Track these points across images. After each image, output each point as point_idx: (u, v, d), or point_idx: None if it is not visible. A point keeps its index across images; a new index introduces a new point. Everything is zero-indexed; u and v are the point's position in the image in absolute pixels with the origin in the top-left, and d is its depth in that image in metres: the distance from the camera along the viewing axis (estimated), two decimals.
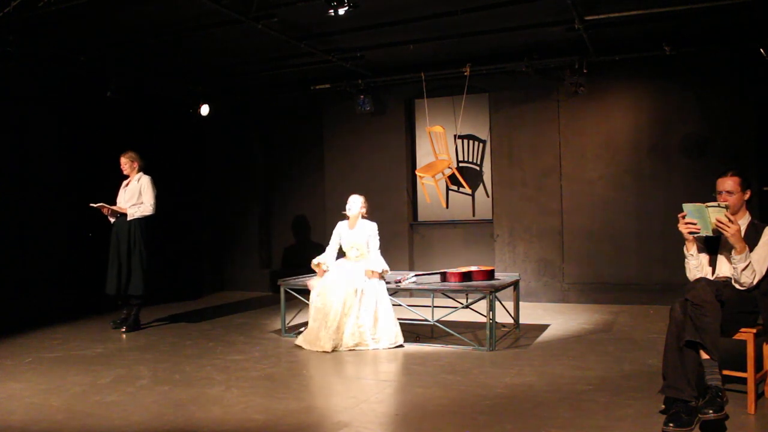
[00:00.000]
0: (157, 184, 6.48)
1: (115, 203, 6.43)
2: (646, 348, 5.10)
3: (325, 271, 5.63)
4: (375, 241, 5.73)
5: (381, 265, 5.57)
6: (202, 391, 4.15)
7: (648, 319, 6.40)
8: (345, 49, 7.28)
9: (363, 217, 5.80)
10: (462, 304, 5.83)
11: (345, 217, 5.85)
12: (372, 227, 5.76)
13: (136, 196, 6.38)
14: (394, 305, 5.50)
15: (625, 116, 7.52)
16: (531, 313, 6.96)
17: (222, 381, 4.39)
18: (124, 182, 6.53)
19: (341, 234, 5.81)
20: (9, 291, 6.87)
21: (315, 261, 5.74)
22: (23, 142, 7.15)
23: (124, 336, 6.17)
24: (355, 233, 5.73)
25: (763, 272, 3.45)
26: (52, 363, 5.00)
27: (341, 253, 5.87)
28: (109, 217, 6.42)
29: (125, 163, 6.46)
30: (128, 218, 6.32)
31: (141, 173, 6.47)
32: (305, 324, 5.67)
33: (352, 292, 5.35)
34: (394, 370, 4.74)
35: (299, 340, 5.52)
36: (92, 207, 6.31)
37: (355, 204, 5.78)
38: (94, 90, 7.48)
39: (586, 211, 7.63)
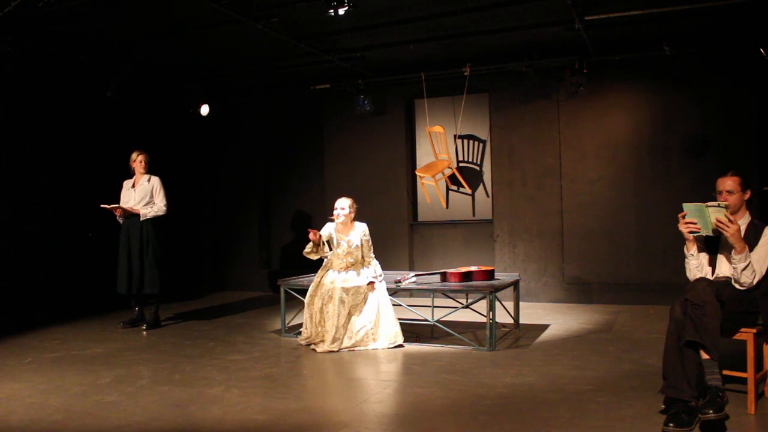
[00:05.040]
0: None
1: (118, 203, 6.41)
2: (646, 348, 5.10)
3: (319, 236, 5.48)
4: (370, 245, 5.60)
5: (378, 272, 5.55)
6: (202, 391, 4.14)
7: (648, 319, 6.40)
8: (345, 49, 7.28)
9: (353, 219, 5.64)
10: (462, 304, 5.84)
11: (331, 220, 5.60)
12: (365, 229, 5.61)
13: (148, 197, 6.38)
14: (394, 305, 5.50)
15: (625, 116, 7.52)
16: (531, 313, 6.96)
17: (222, 381, 4.39)
18: (128, 183, 6.52)
19: (332, 235, 5.57)
20: (9, 291, 6.87)
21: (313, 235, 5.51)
22: (23, 142, 7.15)
23: (145, 333, 6.20)
24: (351, 238, 5.54)
25: (763, 272, 3.45)
26: (52, 363, 5.00)
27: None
28: (118, 218, 6.40)
29: (142, 160, 6.44)
30: (141, 218, 6.33)
31: (149, 174, 6.48)
32: (303, 322, 5.67)
33: (353, 292, 5.35)
34: (394, 370, 4.74)
35: (301, 339, 5.53)
36: (104, 208, 6.28)
37: (345, 207, 5.55)
38: (94, 90, 7.48)
39: (586, 211, 7.63)
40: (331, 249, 5.64)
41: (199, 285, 9.30)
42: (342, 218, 5.54)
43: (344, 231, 5.58)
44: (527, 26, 6.55)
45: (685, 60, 7.06)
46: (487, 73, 7.81)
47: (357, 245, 5.54)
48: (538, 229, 7.83)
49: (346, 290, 5.32)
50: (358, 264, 5.53)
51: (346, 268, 5.50)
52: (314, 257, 5.63)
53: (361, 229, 5.60)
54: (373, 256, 5.64)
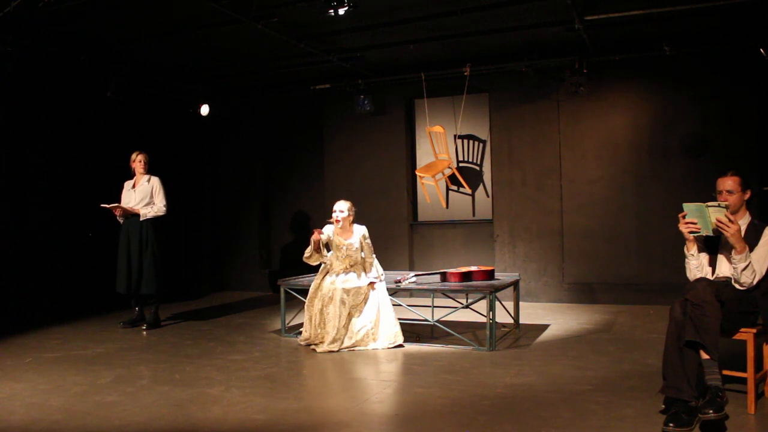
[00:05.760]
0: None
1: (118, 203, 6.41)
2: (646, 348, 5.10)
3: (321, 234, 5.44)
4: (370, 248, 5.58)
5: (380, 272, 5.59)
6: (202, 391, 4.15)
7: (648, 319, 6.40)
8: (345, 49, 7.28)
9: (352, 222, 5.60)
10: (462, 304, 5.84)
11: (330, 223, 5.57)
12: (365, 232, 5.58)
13: (148, 197, 6.39)
14: (394, 305, 5.50)
15: (625, 116, 7.52)
16: (531, 313, 6.96)
17: (222, 381, 4.39)
18: (128, 183, 6.51)
19: (331, 238, 5.55)
20: (9, 291, 6.87)
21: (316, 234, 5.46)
22: (23, 142, 7.15)
23: (145, 334, 6.21)
24: (351, 241, 5.50)
25: (763, 272, 3.45)
26: (52, 363, 5.00)
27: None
28: (118, 218, 6.40)
29: (142, 160, 6.44)
30: (141, 218, 6.33)
31: (149, 174, 6.48)
32: (303, 324, 5.66)
33: (354, 293, 5.34)
34: (394, 370, 4.74)
35: (301, 339, 5.53)
36: (104, 208, 6.28)
37: (344, 210, 5.51)
38: (94, 90, 7.48)
39: (586, 211, 7.63)
40: (329, 251, 5.62)
41: (199, 285, 9.30)
42: (341, 222, 5.51)
43: (343, 234, 5.55)
44: (527, 26, 6.55)
45: (685, 60, 7.06)
46: (487, 73, 7.81)
47: (357, 248, 5.51)
48: (538, 229, 7.83)
49: (346, 291, 5.32)
50: (358, 266, 5.52)
51: (346, 270, 5.49)
52: (314, 262, 5.58)
53: (360, 232, 5.57)
54: (375, 257, 5.63)
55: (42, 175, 7.34)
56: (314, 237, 5.45)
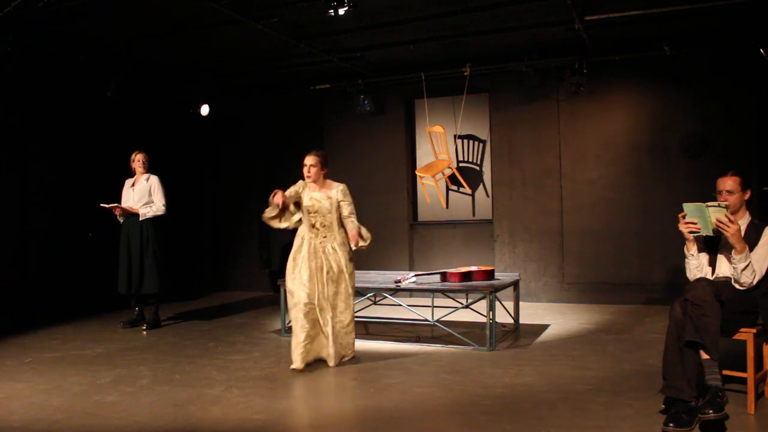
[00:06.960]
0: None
1: (118, 203, 6.41)
2: (646, 348, 5.10)
3: (284, 198, 4.76)
4: (349, 205, 4.83)
5: (366, 235, 4.87)
6: (202, 391, 4.15)
7: (648, 319, 6.40)
8: (345, 49, 7.28)
9: (325, 176, 4.90)
10: (462, 304, 5.84)
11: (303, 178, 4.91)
12: (344, 188, 4.86)
13: (147, 196, 6.39)
14: (394, 305, 5.48)
15: (625, 116, 7.52)
16: (531, 313, 6.96)
17: (222, 381, 4.39)
18: (129, 182, 6.52)
19: (303, 195, 4.87)
20: (9, 291, 6.87)
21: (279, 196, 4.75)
22: (23, 142, 7.15)
23: (144, 334, 6.21)
24: (326, 196, 4.81)
25: (763, 272, 3.45)
26: (52, 363, 5.00)
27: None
28: (118, 218, 6.41)
29: (141, 159, 6.45)
30: (140, 218, 6.34)
31: (149, 173, 6.49)
32: None
33: (331, 278, 4.88)
34: (395, 370, 4.74)
35: None
36: (104, 207, 6.28)
37: (315, 162, 4.81)
38: (94, 90, 7.49)
39: (586, 211, 7.63)
40: (300, 208, 4.94)
41: (199, 285, 9.30)
42: (312, 176, 4.82)
43: (317, 189, 4.87)
44: (527, 26, 6.55)
45: (685, 60, 7.06)
46: (487, 73, 7.81)
47: (328, 207, 4.82)
48: (538, 229, 7.83)
49: (325, 277, 4.89)
50: (331, 231, 4.84)
51: (322, 230, 4.83)
52: (277, 224, 5.01)
53: (338, 188, 4.85)
54: (355, 217, 4.88)
55: (42, 175, 7.34)
56: (275, 200, 4.74)
